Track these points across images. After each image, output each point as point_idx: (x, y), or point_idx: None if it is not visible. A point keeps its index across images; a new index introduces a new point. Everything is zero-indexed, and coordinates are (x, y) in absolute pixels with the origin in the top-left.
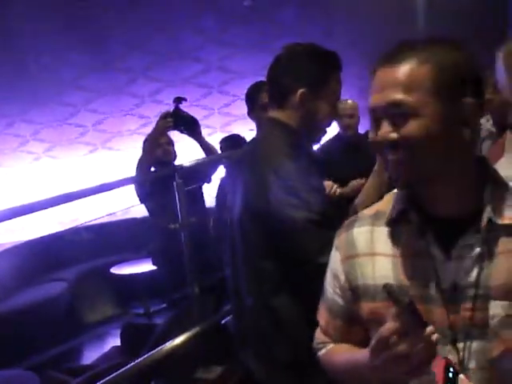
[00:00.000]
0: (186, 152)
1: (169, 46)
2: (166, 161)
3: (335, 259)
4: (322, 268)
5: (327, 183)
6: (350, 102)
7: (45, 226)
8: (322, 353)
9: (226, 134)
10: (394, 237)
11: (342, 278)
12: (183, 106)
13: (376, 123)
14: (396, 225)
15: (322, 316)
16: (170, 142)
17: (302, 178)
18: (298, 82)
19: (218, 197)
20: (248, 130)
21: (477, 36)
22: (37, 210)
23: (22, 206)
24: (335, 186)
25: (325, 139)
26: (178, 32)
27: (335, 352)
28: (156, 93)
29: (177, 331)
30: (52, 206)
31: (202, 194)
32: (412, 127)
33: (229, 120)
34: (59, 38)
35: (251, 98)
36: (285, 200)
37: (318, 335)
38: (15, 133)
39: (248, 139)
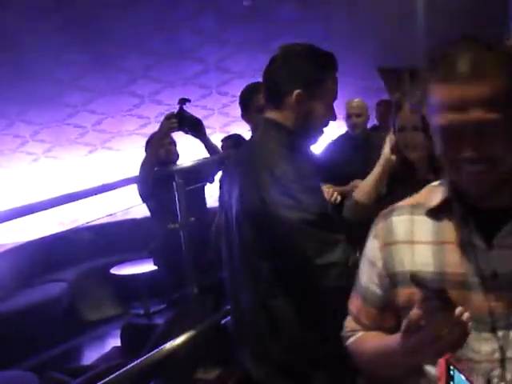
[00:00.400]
0: (188, 152)
1: (168, 46)
2: (169, 161)
3: (373, 247)
4: (319, 269)
5: (327, 190)
6: (357, 100)
7: (45, 227)
8: (350, 341)
9: (226, 135)
10: (435, 226)
11: (380, 264)
12: (184, 106)
13: (452, 140)
14: (437, 214)
15: (354, 304)
16: (173, 143)
17: (298, 178)
18: (294, 83)
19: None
20: (247, 131)
21: (476, 35)
22: (37, 211)
23: (22, 207)
24: (335, 193)
25: (333, 138)
26: (178, 32)
27: (365, 339)
28: (155, 93)
29: (176, 331)
30: (52, 207)
31: (204, 194)
32: (497, 143)
33: (228, 120)
34: (58, 38)
35: (245, 100)
36: (280, 201)
37: (348, 323)
38: (15, 133)
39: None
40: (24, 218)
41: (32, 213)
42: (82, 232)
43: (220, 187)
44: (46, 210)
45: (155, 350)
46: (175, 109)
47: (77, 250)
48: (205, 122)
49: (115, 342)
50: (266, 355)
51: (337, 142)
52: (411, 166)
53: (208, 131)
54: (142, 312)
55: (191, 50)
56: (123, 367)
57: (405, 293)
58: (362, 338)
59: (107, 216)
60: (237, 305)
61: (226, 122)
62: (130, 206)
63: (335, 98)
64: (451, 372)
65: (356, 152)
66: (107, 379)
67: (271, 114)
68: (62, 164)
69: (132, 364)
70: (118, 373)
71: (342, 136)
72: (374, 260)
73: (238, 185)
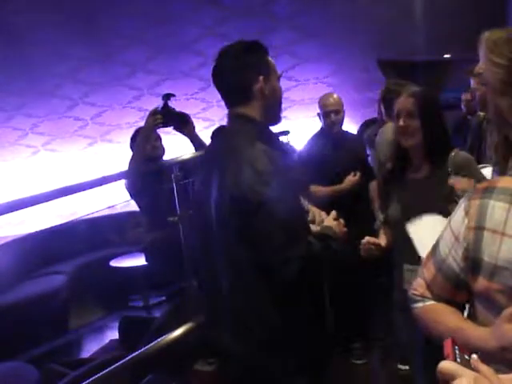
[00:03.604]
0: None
1: (168, 38)
2: (155, 156)
3: (461, 222)
4: (290, 261)
5: (314, 209)
6: (335, 96)
7: (44, 220)
8: (418, 305)
9: None
10: None
11: (464, 244)
12: (183, 99)
13: None
14: None
15: (430, 270)
16: (158, 138)
17: (276, 172)
18: (254, 73)
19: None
20: None
21: (478, 28)
22: (36, 204)
23: (21, 200)
24: (323, 213)
25: (311, 136)
26: (178, 25)
27: (436, 312)
28: (155, 85)
29: (175, 324)
30: (51, 200)
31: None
32: None
33: (227, 113)
34: (58, 30)
35: None
36: (259, 193)
37: (419, 287)
38: (14, 126)
39: None
40: (23, 210)
41: (31, 205)
42: (81, 224)
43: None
44: (46, 203)
45: (153, 343)
46: (173, 102)
47: (76, 242)
48: (204, 115)
49: (114, 334)
50: (245, 334)
51: (317, 141)
52: (406, 156)
53: (207, 123)
54: (141, 305)
55: (191, 43)
56: (122, 359)
57: (482, 283)
58: (435, 309)
59: (107, 208)
60: (213, 287)
61: (225, 115)
62: (130, 198)
63: (279, 73)
64: (456, 351)
65: (338, 150)
66: (105, 371)
67: (238, 110)
68: (61, 156)
69: (131, 355)
70: (116, 365)
71: (320, 134)
72: (459, 235)
73: (217, 178)
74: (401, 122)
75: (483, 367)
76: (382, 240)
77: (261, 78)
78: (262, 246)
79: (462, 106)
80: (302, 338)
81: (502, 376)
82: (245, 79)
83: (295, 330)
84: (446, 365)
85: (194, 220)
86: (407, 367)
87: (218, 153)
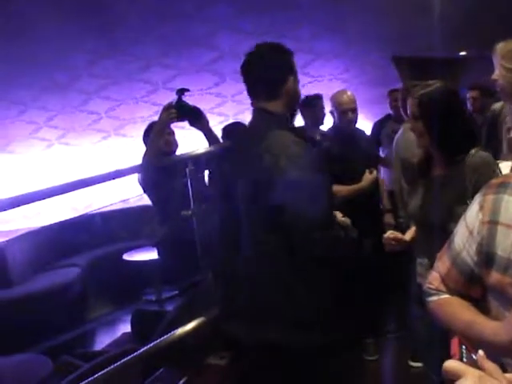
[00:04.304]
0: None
1: (182, 33)
2: (168, 151)
3: (475, 216)
4: (327, 239)
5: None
6: (349, 94)
7: (58, 213)
8: (433, 299)
9: None
10: None
11: (477, 239)
12: (198, 93)
13: None
14: None
15: (445, 264)
16: (172, 132)
17: (307, 155)
18: (286, 73)
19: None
20: None
21: (495, 26)
22: (51, 196)
23: (36, 192)
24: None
25: (326, 132)
26: (192, 19)
27: (451, 305)
28: (169, 80)
29: (187, 318)
30: (66, 192)
31: (205, 181)
32: None
33: (242, 108)
34: (72, 24)
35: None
36: (294, 172)
37: (434, 280)
38: (28, 120)
39: None
40: (39, 203)
41: (46, 198)
42: (96, 218)
43: (211, 177)
44: (60, 196)
45: (166, 336)
46: (187, 97)
47: (90, 235)
48: (218, 110)
49: (126, 327)
50: (278, 318)
51: (335, 138)
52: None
53: (221, 118)
54: (153, 298)
55: (205, 37)
56: (134, 352)
57: (496, 277)
58: (449, 303)
59: (120, 202)
60: (236, 278)
61: (240, 110)
62: (143, 192)
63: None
64: (462, 350)
65: (351, 147)
66: (117, 364)
67: (264, 104)
68: (75, 150)
69: (144, 349)
70: (128, 358)
71: (333, 131)
72: (473, 230)
73: (246, 168)
74: (411, 124)
75: (489, 364)
76: (409, 234)
77: (291, 78)
78: (300, 227)
79: (468, 105)
80: (330, 318)
81: (508, 375)
82: (277, 77)
83: (324, 309)
84: (451, 364)
85: (212, 211)
86: (419, 364)
87: (245, 144)
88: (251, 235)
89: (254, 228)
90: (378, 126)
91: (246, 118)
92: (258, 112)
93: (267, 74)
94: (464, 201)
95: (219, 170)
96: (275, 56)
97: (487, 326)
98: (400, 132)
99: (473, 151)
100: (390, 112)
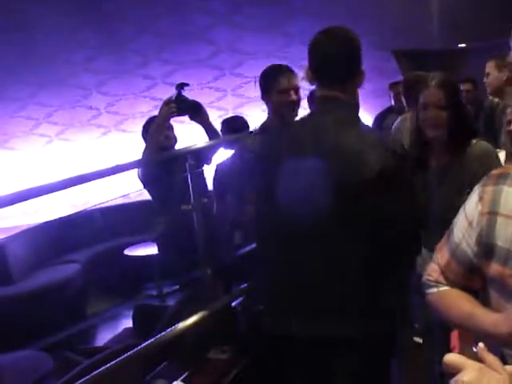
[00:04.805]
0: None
1: (181, 27)
2: (168, 146)
3: (475, 208)
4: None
5: None
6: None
7: (58, 209)
8: (432, 291)
9: None
10: None
11: (477, 230)
12: (197, 88)
13: None
14: None
15: (444, 256)
16: (170, 127)
17: (383, 144)
18: (360, 64)
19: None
20: (261, 111)
21: (494, 18)
22: (50, 192)
23: (35, 188)
24: None
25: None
26: (191, 13)
27: (450, 297)
28: (168, 75)
29: (188, 312)
30: (65, 188)
31: (204, 175)
32: None
33: (241, 102)
34: (71, 19)
35: (267, 82)
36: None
37: (433, 272)
38: (28, 116)
39: (255, 121)
40: (38, 200)
41: (46, 194)
42: (96, 213)
43: (220, 170)
44: (60, 192)
45: (167, 331)
46: (187, 92)
47: (90, 231)
48: (218, 104)
49: (127, 323)
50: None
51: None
52: (429, 147)
53: (221, 112)
54: (154, 293)
55: (204, 32)
56: (136, 347)
57: (496, 268)
58: (449, 295)
59: (120, 197)
60: (289, 274)
61: (239, 104)
62: (143, 187)
63: None
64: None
65: None
66: (119, 360)
67: (335, 93)
68: (75, 146)
69: (145, 344)
70: (129, 353)
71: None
72: (473, 221)
73: (317, 161)
74: (429, 113)
75: (489, 357)
76: None
77: (363, 69)
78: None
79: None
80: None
81: (508, 367)
82: (354, 67)
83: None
84: (451, 357)
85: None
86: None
87: (313, 137)
88: (320, 240)
89: (326, 224)
90: (379, 119)
91: (246, 111)
92: (328, 99)
93: (348, 61)
94: (464, 191)
95: (263, 168)
96: (355, 46)
97: (487, 318)
98: (398, 121)
99: (474, 141)
100: (391, 105)
